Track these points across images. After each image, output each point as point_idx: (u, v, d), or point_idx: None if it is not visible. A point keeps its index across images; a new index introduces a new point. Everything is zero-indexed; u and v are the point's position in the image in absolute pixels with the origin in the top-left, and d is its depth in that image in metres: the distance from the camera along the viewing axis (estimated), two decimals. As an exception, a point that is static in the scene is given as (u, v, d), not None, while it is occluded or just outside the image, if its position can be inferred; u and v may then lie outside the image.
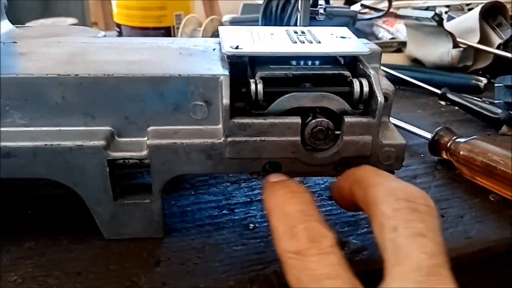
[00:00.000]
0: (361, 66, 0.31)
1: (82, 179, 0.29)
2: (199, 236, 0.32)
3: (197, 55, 0.33)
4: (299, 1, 0.33)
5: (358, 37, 0.34)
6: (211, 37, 0.71)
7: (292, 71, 0.30)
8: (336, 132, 0.29)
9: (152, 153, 0.29)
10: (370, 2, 0.98)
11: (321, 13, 0.34)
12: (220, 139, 0.29)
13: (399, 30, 0.84)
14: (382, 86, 0.30)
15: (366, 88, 0.29)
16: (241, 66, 0.31)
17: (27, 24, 0.89)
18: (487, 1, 0.86)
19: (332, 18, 0.69)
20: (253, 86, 0.28)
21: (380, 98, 0.28)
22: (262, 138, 0.29)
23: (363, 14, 0.93)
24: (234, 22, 0.73)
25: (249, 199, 0.37)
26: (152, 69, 0.29)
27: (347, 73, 0.30)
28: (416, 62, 0.69)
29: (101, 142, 0.28)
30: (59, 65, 0.29)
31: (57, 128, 0.29)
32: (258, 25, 0.72)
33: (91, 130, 0.29)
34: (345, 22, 0.69)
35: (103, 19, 2.37)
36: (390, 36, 0.84)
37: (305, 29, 0.36)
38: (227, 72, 0.29)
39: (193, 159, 0.29)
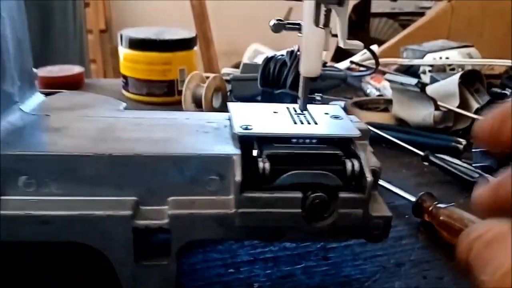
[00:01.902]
0: (352, 146, 0.36)
1: (110, 244, 0.33)
2: (209, 294, 0.36)
3: (211, 133, 0.37)
4: (300, 88, 0.38)
5: (348, 114, 0.40)
6: (213, 92, 0.76)
7: (294, 150, 0.35)
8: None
9: (173, 221, 0.33)
10: (358, 59, 1.05)
11: (317, 100, 0.39)
12: (231, 210, 0.33)
13: (386, 88, 0.90)
14: (370, 164, 0.35)
15: (357, 168, 0.34)
16: (249, 143, 0.36)
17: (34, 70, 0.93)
18: (467, 62, 0.93)
19: (325, 80, 0.74)
20: (261, 165, 0.33)
21: (369, 178, 0.33)
22: (268, 210, 0.33)
23: (352, 70, 1.00)
24: (235, 80, 0.79)
25: (252, 258, 0.41)
26: (175, 148, 0.34)
27: (340, 153, 0.35)
28: (401, 121, 0.75)
29: (129, 212, 0.32)
30: (93, 142, 0.34)
31: (90, 198, 0.33)
32: (257, 83, 0.77)
33: (119, 200, 0.33)
34: (337, 82, 0.75)
35: (101, 57, 2.44)
36: (378, 93, 0.91)
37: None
38: (238, 152, 0.34)
39: (208, 227, 0.33)
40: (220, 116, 0.42)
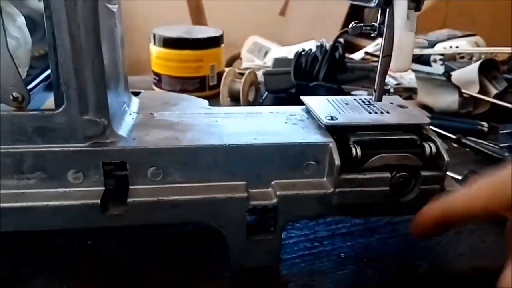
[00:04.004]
0: (424, 131, 0.42)
1: (227, 222, 0.38)
2: (305, 264, 0.42)
3: (299, 124, 0.43)
4: (377, 81, 0.43)
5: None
6: (249, 86, 0.81)
7: (376, 136, 0.40)
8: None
9: (281, 201, 0.38)
10: (372, 49, 1.11)
11: (391, 92, 0.44)
12: (330, 190, 0.39)
13: (403, 76, 0.96)
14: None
15: (434, 150, 0.39)
16: (335, 131, 0.41)
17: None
18: (477, 50, 1.00)
19: (354, 71, 0.80)
20: (354, 150, 0.38)
21: (447, 158, 0.39)
22: (362, 189, 0.39)
23: (366, 61, 1.06)
24: (267, 74, 0.84)
25: (330, 233, 0.46)
26: (278, 138, 0.39)
27: (416, 137, 0.41)
28: (425, 108, 0.81)
29: (245, 194, 0.37)
30: (208, 136, 0.39)
31: (209, 184, 0.38)
32: (288, 76, 0.82)
33: (233, 185, 0.38)
34: (365, 74, 0.81)
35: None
36: (396, 82, 0.97)
37: (368, 98, 0.47)
38: (332, 139, 0.39)
39: (309, 205, 0.39)
40: (297, 108, 0.47)
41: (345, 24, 1.88)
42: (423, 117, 0.43)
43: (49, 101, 0.43)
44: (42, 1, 0.34)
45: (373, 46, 1.12)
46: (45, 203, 0.36)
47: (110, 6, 0.36)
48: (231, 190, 0.38)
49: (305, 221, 0.48)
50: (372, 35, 0.43)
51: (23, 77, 0.38)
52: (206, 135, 0.39)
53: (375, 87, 0.44)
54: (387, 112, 0.43)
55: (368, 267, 0.41)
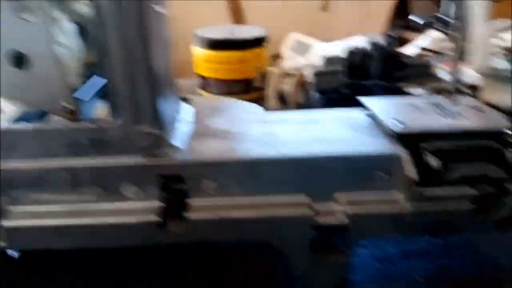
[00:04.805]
0: (507, 138, 0.37)
1: (290, 241, 0.35)
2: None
3: (363, 129, 0.39)
4: (450, 80, 0.39)
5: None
6: (297, 87, 0.78)
7: (455, 144, 0.36)
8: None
9: (351, 220, 0.34)
10: (426, 44, 1.05)
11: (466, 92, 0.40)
12: (405, 207, 0.35)
13: (463, 73, 0.90)
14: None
15: (518, 159, 0.35)
16: (405, 138, 0.37)
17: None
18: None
19: (409, 68, 0.76)
20: (431, 161, 0.34)
21: (536, 169, 0.34)
22: (441, 205, 0.34)
23: (422, 57, 1.00)
24: (318, 74, 0.80)
25: (402, 252, 0.42)
26: (343, 148, 0.35)
27: (497, 145, 0.36)
28: (491, 106, 0.75)
29: (310, 211, 0.34)
30: (265, 147, 0.36)
31: (269, 198, 0.35)
32: (339, 76, 0.78)
33: (296, 200, 0.35)
34: (421, 71, 0.76)
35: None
36: (454, 79, 0.90)
37: (437, 100, 0.42)
38: (404, 149, 0.35)
39: (383, 224, 0.35)
40: (357, 112, 0.43)
41: (392, 17, 1.81)
42: (503, 121, 0.38)
43: (101, 109, 0.41)
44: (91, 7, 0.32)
45: (427, 40, 1.05)
46: (103, 219, 0.34)
47: (156, 7, 0.33)
48: (294, 207, 0.35)
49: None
50: (445, 31, 0.39)
51: (75, 86, 0.37)
52: (264, 146, 0.36)
53: (449, 88, 0.40)
54: (462, 116, 0.39)
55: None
